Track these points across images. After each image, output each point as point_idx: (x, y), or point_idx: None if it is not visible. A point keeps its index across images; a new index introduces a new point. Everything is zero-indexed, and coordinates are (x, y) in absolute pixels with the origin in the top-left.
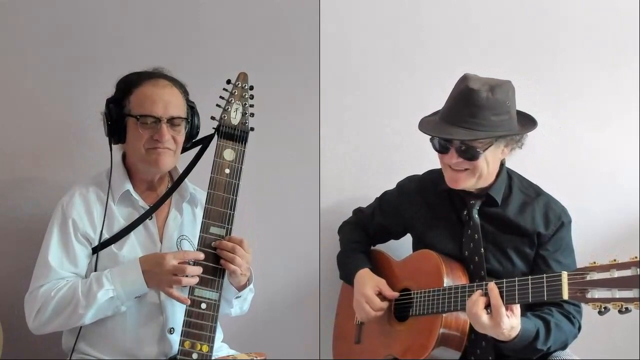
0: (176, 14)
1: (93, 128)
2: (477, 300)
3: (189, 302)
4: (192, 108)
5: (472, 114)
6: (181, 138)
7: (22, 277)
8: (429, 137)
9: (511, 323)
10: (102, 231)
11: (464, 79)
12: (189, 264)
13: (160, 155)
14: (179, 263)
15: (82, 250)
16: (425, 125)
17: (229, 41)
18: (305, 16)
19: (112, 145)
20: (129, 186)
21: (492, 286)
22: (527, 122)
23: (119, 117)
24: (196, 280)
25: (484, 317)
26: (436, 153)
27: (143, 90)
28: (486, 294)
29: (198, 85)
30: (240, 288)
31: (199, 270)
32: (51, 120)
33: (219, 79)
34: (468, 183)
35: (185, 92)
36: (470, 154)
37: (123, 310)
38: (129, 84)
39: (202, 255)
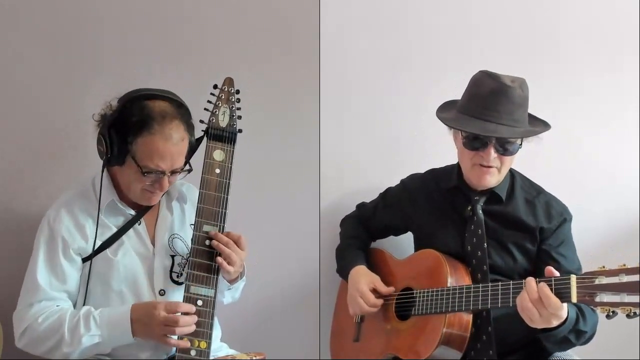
0: (176, 14)
1: (92, 129)
2: (542, 286)
3: (188, 344)
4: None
5: (509, 110)
6: (176, 179)
7: (22, 277)
8: (461, 134)
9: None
10: (95, 240)
11: (494, 76)
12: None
13: (154, 197)
14: (170, 314)
15: (70, 267)
16: (456, 122)
17: (229, 41)
18: (305, 16)
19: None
20: (112, 196)
21: (530, 279)
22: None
23: (120, 150)
24: (191, 329)
25: (556, 298)
26: (437, 153)
27: (153, 141)
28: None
29: (197, 84)
30: (233, 281)
31: (192, 320)
32: (50, 122)
33: (218, 78)
34: (494, 180)
35: (189, 125)
36: (511, 150)
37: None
38: (139, 122)
39: (193, 308)
